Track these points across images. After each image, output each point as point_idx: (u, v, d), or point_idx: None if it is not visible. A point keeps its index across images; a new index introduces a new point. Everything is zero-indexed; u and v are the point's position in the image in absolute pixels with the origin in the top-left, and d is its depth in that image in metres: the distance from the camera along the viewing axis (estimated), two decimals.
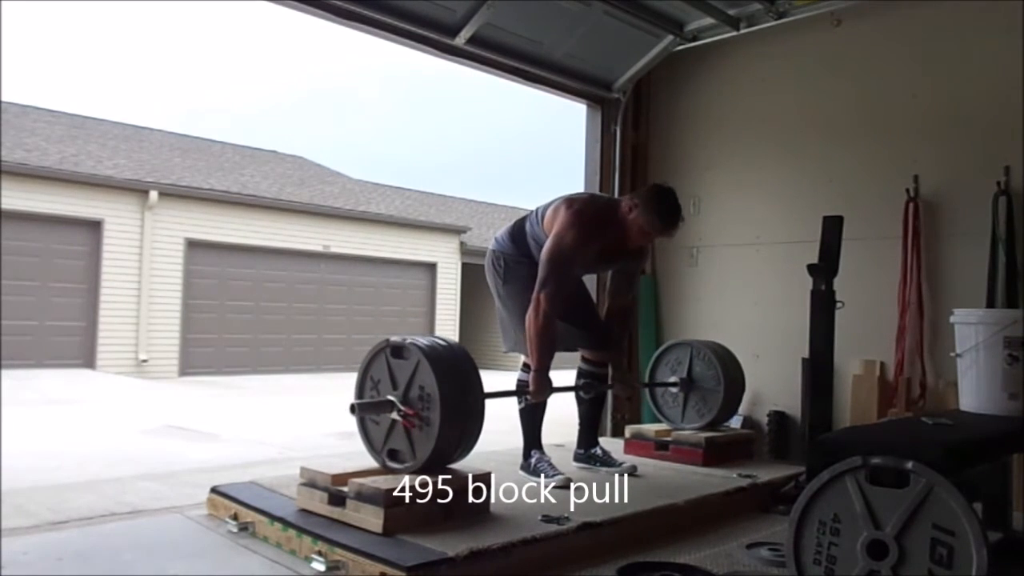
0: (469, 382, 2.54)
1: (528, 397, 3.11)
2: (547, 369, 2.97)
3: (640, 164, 4.85)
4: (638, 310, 4.69)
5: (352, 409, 2.54)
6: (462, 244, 15.47)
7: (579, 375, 3.42)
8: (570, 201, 3.02)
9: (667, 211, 2.97)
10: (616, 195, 4.52)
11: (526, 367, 3.21)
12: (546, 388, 2.97)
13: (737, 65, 4.56)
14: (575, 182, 5.26)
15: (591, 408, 3.47)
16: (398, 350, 2.55)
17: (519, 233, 3.19)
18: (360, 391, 2.65)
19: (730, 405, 3.76)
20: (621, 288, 3.36)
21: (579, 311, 3.31)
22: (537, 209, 3.16)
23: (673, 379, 3.78)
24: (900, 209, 3.82)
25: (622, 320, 3.44)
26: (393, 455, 2.57)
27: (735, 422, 4.30)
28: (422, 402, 2.47)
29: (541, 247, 3.01)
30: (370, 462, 2.64)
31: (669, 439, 3.69)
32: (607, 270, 3.38)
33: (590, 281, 4.03)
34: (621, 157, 4.76)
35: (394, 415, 2.51)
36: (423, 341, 2.55)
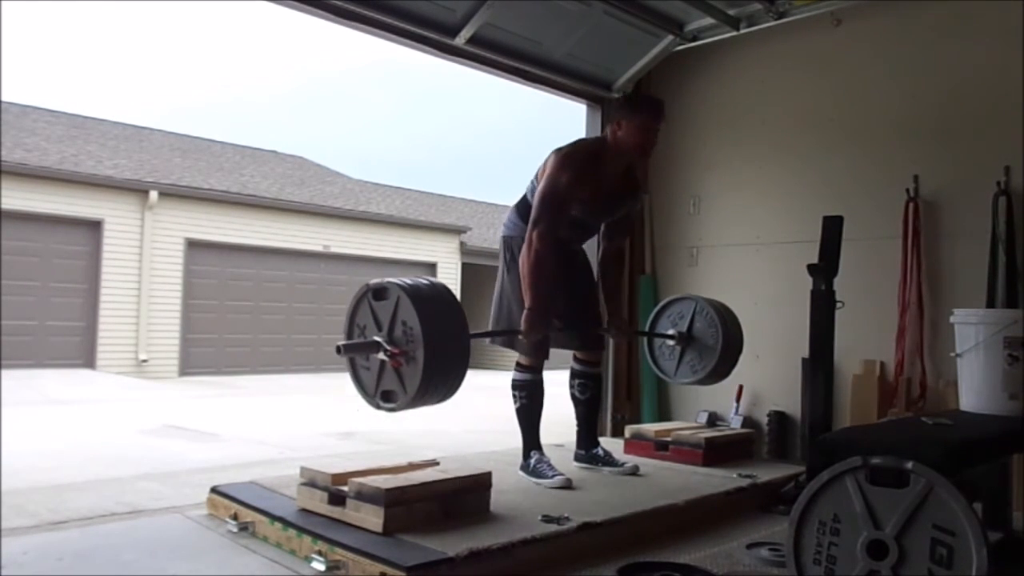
0: (451, 313, 2.48)
1: (523, 395, 3.14)
2: (543, 310, 2.93)
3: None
4: (638, 309, 4.69)
5: (338, 350, 2.52)
6: (462, 244, 15.45)
7: (572, 375, 3.43)
8: (559, 149, 3.07)
9: (646, 101, 3.08)
10: None
11: (519, 366, 3.23)
12: (538, 327, 2.94)
13: (737, 65, 4.56)
14: None
15: (588, 409, 3.46)
16: (379, 292, 2.51)
17: (524, 206, 3.17)
18: (348, 338, 2.62)
19: (725, 365, 3.63)
20: (615, 232, 3.39)
21: (582, 312, 3.32)
22: (535, 174, 3.16)
23: (672, 332, 3.68)
24: (900, 209, 3.82)
25: (618, 264, 3.48)
26: (386, 396, 2.52)
27: (735, 422, 4.30)
28: (406, 338, 2.42)
29: None
30: (370, 462, 2.64)
31: (669, 439, 3.69)
32: (609, 218, 3.33)
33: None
34: None
35: (381, 355, 2.47)
36: (403, 280, 2.50)
